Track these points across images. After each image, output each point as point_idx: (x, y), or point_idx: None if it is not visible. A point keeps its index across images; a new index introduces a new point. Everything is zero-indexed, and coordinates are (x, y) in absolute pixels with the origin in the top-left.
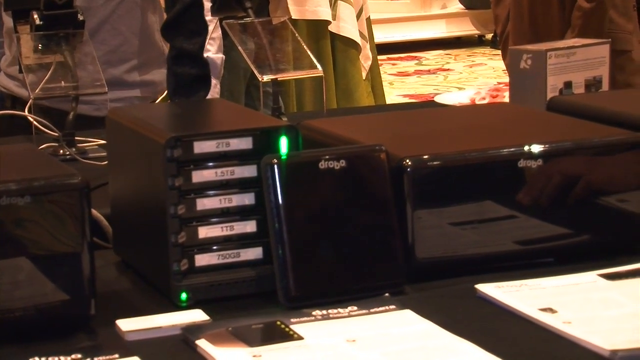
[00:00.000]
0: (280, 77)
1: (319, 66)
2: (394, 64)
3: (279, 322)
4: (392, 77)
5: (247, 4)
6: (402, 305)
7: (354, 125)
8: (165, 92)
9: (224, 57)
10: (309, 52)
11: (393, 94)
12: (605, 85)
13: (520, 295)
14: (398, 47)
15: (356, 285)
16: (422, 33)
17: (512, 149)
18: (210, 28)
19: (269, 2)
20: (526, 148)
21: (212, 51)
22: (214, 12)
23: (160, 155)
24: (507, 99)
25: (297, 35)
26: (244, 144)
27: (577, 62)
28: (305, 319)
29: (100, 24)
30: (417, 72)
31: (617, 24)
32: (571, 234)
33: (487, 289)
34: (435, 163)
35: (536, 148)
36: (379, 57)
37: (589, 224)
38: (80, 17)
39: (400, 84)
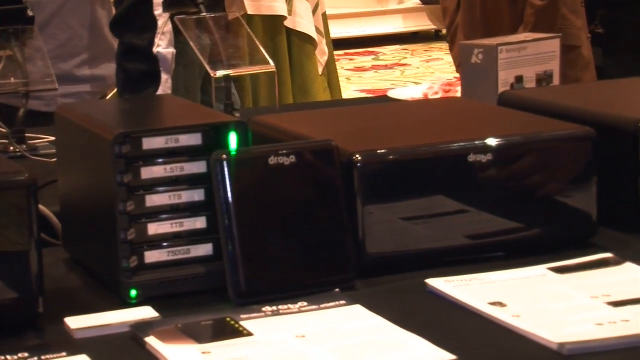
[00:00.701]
0: (233, 72)
1: (271, 62)
2: (350, 59)
3: (228, 318)
4: (349, 72)
5: (198, 0)
6: (352, 301)
7: (305, 120)
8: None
9: (174, 51)
10: (261, 48)
11: (350, 89)
12: (555, 80)
13: (469, 289)
14: (355, 42)
15: (306, 281)
16: (379, 28)
17: (462, 144)
18: (160, 23)
19: None
20: (476, 142)
21: (162, 46)
22: (165, 7)
23: (108, 152)
24: (459, 94)
25: (249, 30)
26: (193, 139)
27: (528, 57)
28: (255, 314)
29: (50, 18)
30: (374, 67)
31: (568, 20)
32: (521, 228)
33: (437, 283)
34: (385, 158)
35: (486, 142)
36: (336, 53)
37: (538, 218)
38: (30, 13)
39: (357, 79)
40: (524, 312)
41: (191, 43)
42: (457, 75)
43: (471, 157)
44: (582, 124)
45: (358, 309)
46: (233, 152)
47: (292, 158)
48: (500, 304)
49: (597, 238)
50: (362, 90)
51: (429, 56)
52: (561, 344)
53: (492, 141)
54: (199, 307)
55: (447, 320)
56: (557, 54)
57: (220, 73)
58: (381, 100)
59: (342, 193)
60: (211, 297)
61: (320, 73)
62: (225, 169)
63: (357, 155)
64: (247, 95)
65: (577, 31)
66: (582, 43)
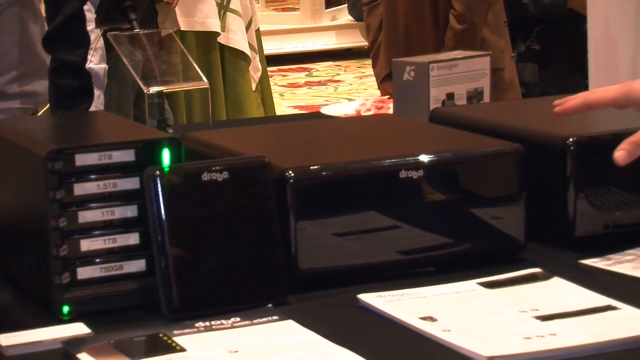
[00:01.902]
0: (166, 89)
1: (204, 78)
2: (284, 75)
3: (161, 334)
4: (282, 89)
5: (131, 16)
6: (284, 316)
7: (238, 136)
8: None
9: (106, 67)
10: (194, 64)
11: (284, 105)
12: (486, 97)
13: (401, 304)
14: (288, 58)
15: (239, 297)
16: (313, 44)
17: (394, 160)
18: (93, 38)
19: (157, 14)
20: (408, 159)
21: (94, 62)
22: (97, 23)
23: (41, 168)
24: (391, 110)
25: (182, 46)
26: (126, 156)
27: (459, 74)
28: (188, 330)
29: None
30: (308, 84)
31: (490, 42)
32: (451, 244)
33: (369, 298)
34: (317, 174)
35: (417, 159)
36: (270, 69)
37: (468, 233)
38: None
39: (290, 95)
40: (454, 327)
41: (124, 59)
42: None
43: (403, 174)
44: (511, 140)
45: (290, 324)
46: (166, 169)
47: (225, 174)
48: (431, 319)
49: (526, 253)
50: (295, 107)
51: (362, 73)
52: (490, 358)
53: (423, 158)
54: (132, 323)
55: (379, 335)
56: (487, 71)
57: (153, 89)
58: (314, 116)
59: (275, 209)
60: (144, 313)
61: (253, 89)
62: (158, 185)
63: (290, 172)
64: (180, 111)
65: (500, 53)
66: (504, 65)
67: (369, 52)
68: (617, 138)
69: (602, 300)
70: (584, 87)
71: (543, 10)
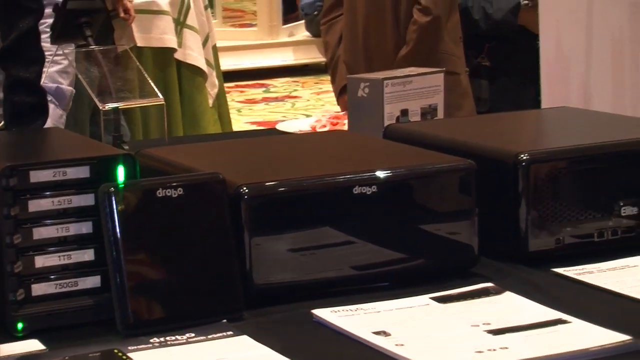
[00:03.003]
0: (121, 105)
1: (160, 94)
2: (242, 91)
3: (116, 350)
4: (240, 105)
5: (87, 32)
6: (239, 332)
7: (193, 153)
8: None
9: (74, 90)
10: (149, 80)
11: (241, 122)
12: (440, 113)
13: (355, 319)
14: (246, 74)
15: (194, 312)
16: (270, 60)
17: (348, 176)
18: (65, 61)
19: (113, 30)
20: (362, 175)
21: (65, 83)
22: (53, 40)
23: None
24: (347, 127)
25: (138, 63)
26: (81, 172)
27: (413, 91)
28: (142, 346)
29: None
30: (265, 100)
31: (449, 47)
32: (405, 259)
33: (323, 313)
34: (272, 190)
35: (371, 175)
36: (227, 85)
37: (422, 248)
38: None
39: (248, 112)
40: (407, 341)
41: (80, 76)
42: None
43: (357, 190)
44: (464, 156)
45: (245, 340)
46: (121, 185)
47: (180, 191)
48: (385, 333)
49: (478, 268)
50: (253, 123)
51: (320, 89)
52: None
53: (377, 174)
54: (87, 339)
55: (333, 350)
56: (441, 88)
57: (108, 106)
58: (270, 133)
59: (229, 225)
60: (99, 329)
61: (210, 105)
62: (113, 202)
63: (245, 188)
64: (137, 127)
65: (457, 59)
66: (461, 71)
67: (327, 69)
68: (568, 154)
69: (553, 314)
70: (536, 102)
71: (494, 27)
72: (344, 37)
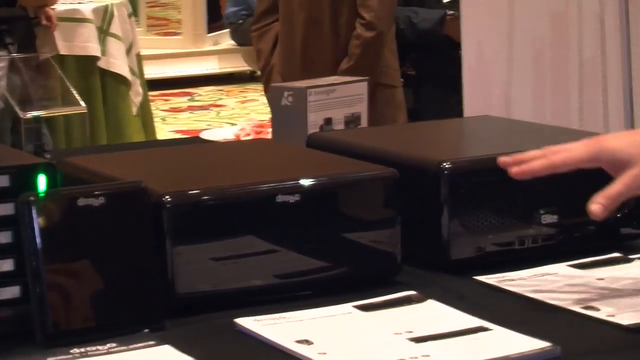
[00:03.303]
0: (43, 114)
1: (82, 103)
2: (166, 100)
3: None
4: (164, 113)
5: (7, 40)
6: (161, 341)
7: (116, 162)
8: None
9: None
10: (72, 89)
11: (166, 130)
12: (364, 122)
13: (278, 327)
14: (170, 83)
15: (116, 322)
16: (195, 69)
17: (271, 185)
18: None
19: (35, 37)
20: (285, 184)
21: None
22: None
23: None
24: (270, 135)
25: (59, 72)
26: (0, 181)
27: (336, 99)
28: (62, 357)
29: None
30: (190, 108)
31: (388, 60)
32: (328, 267)
33: (246, 322)
34: (195, 198)
35: (294, 183)
36: (151, 93)
37: (344, 257)
38: None
39: (173, 120)
40: (330, 350)
41: (0, 83)
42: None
43: (279, 198)
44: (387, 165)
45: (168, 350)
46: (41, 194)
47: (102, 199)
48: (307, 342)
49: (401, 276)
50: (177, 131)
51: (245, 97)
52: None
53: (300, 182)
54: (6, 351)
55: (256, 358)
56: (364, 96)
57: (30, 114)
58: (194, 141)
59: (151, 234)
60: (18, 341)
61: (134, 114)
62: (33, 211)
63: (167, 196)
64: (59, 136)
65: (394, 72)
66: (398, 84)
67: (260, 77)
68: (489, 162)
69: (474, 321)
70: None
71: (419, 36)
72: (280, 48)
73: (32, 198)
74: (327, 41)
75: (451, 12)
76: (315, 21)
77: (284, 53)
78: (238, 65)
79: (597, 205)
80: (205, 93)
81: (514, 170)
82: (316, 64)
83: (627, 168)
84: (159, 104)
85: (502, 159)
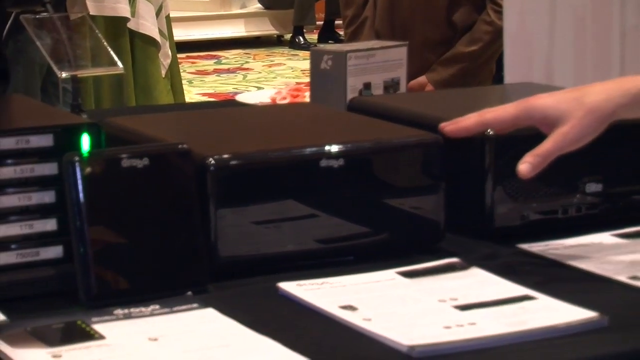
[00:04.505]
0: (80, 73)
1: (119, 63)
2: (193, 62)
3: (79, 322)
4: (191, 76)
5: None
6: (204, 304)
7: (158, 123)
8: None
9: None
10: (109, 49)
11: (192, 93)
12: (402, 87)
13: (321, 293)
14: (197, 45)
15: (159, 284)
16: (221, 32)
17: (314, 149)
18: None
19: None
20: (327, 148)
21: None
22: (9, 5)
23: None
24: (307, 99)
25: (96, 31)
26: (44, 141)
27: (376, 64)
28: (107, 317)
29: None
30: (217, 71)
31: None
32: (370, 233)
33: (289, 287)
34: (238, 162)
35: (337, 148)
36: (179, 56)
37: (387, 223)
38: None
39: (199, 83)
40: (374, 316)
41: (37, 42)
42: (300, 81)
43: (323, 163)
44: (430, 131)
45: (210, 312)
46: (85, 154)
47: (146, 161)
48: (352, 308)
49: (444, 243)
50: (204, 94)
51: (271, 61)
52: (411, 347)
53: (343, 147)
54: (50, 310)
55: (299, 323)
56: (404, 61)
57: (66, 74)
58: (230, 104)
59: (195, 196)
60: (62, 300)
61: (163, 76)
62: (77, 171)
63: (210, 159)
64: (89, 97)
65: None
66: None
67: (346, 26)
68: (531, 130)
69: (519, 290)
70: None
71: None
72: (382, 8)
73: (76, 158)
74: (439, 14)
75: None
76: None
77: (385, 13)
78: (265, 29)
79: (525, 164)
80: (231, 56)
81: (447, 129)
82: (419, 36)
83: (557, 126)
84: (186, 67)
85: (442, 124)
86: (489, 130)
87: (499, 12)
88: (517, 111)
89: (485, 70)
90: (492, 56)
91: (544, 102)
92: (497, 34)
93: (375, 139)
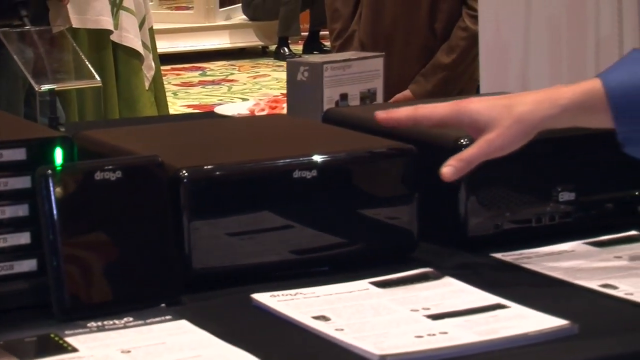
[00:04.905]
0: (58, 87)
1: (97, 76)
2: (178, 74)
3: (52, 335)
4: (176, 88)
5: (22, 12)
6: (178, 316)
7: (132, 136)
8: None
9: None
10: (86, 62)
11: (177, 105)
12: (379, 98)
13: (294, 304)
14: (182, 57)
15: (132, 296)
16: (206, 43)
17: (288, 160)
18: None
19: (48, 10)
20: (301, 159)
21: None
22: None
23: None
24: (285, 111)
25: (74, 44)
26: (17, 154)
27: (352, 75)
28: (80, 330)
29: None
30: (202, 83)
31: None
32: (344, 243)
33: (263, 298)
34: (211, 173)
35: (311, 159)
36: (163, 68)
37: (361, 233)
38: None
39: (184, 95)
40: (347, 326)
41: (14, 56)
42: (284, 92)
43: (296, 174)
44: (404, 141)
45: (184, 324)
46: (58, 168)
47: (119, 173)
48: (324, 318)
49: (418, 252)
50: (189, 106)
51: (256, 72)
52: (382, 356)
53: (317, 158)
54: (23, 323)
55: (273, 334)
56: (380, 72)
57: (44, 87)
58: (208, 116)
59: (168, 208)
60: (35, 314)
61: (147, 88)
62: (50, 185)
63: (184, 171)
64: (72, 109)
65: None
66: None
67: (334, 39)
68: None
69: (491, 299)
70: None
71: None
72: (366, 19)
73: (49, 171)
74: (421, 24)
75: None
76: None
77: (369, 25)
78: (250, 40)
79: (448, 167)
80: (216, 68)
81: (380, 117)
82: (403, 45)
83: (485, 132)
84: (171, 79)
85: (377, 112)
86: (461, 140)
87: (475, 17)
88: (448, 112)
89: (467, 78)
90: (472, 62)
91: (474, 106)
92: (474, 39)
93: (348, 150)
